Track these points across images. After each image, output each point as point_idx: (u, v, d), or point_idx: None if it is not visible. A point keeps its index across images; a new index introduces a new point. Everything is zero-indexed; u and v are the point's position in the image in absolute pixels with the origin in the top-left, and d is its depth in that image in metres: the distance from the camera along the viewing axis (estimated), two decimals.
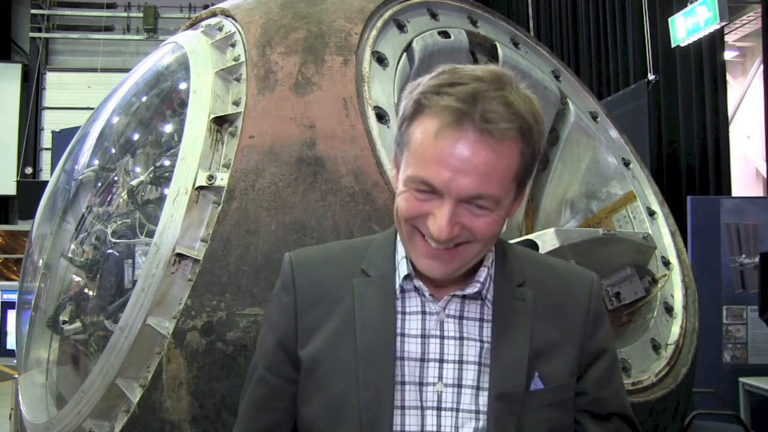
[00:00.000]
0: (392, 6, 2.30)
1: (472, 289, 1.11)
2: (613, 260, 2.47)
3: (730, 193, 5.79)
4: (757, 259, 4.44)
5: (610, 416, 1.18)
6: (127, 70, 3.00)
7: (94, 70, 12.59)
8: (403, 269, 1.13)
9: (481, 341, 1.10)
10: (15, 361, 2.84)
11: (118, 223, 2.21)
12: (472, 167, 0.98)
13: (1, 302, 5.82)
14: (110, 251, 2.15)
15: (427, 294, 1.12)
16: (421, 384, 1.09)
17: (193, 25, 2.52)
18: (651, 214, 2.69)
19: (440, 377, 1.09)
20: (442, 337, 1.10)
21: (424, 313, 1.12)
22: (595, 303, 1.20)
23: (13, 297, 4.32)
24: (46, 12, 13.22)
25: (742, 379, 4.58)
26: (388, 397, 1.07)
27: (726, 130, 5.88)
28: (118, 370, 1.87)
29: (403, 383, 1.08)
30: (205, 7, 4.08)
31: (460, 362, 1.09)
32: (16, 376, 2.65)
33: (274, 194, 1.87)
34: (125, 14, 13.32)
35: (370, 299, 1.12)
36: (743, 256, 4.78)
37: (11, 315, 5.45)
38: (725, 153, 5.82)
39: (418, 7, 2.39)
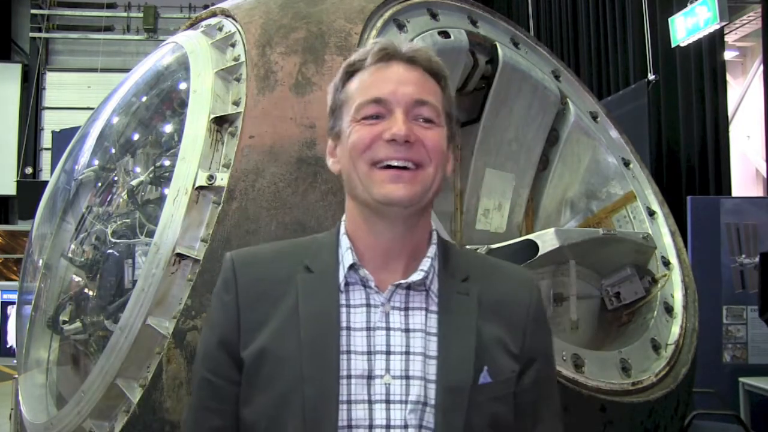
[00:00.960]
0: (392, 6, 2.30)
1: (416, 277, 1.12)
2: (613, 260, 2.48)
3: (730, 193, 5.79)
4: (757, 259, 4.45)
5: (544, 415, 1.19)
6: (127, 70, 3.00)
7: (94, 70, 12.59)
8: (348, 260, 1.13)
9: (426, 332, 1.11)
10: (15, 361, 2.84)
11: (118, 223, 2.21)
12: (409, 79, 1.13)
13: (1, 302, 5.83)
14: (110, 251, 2.15)
15: (372, 284, 1.11)
16: (369, 377, 1.08)
17: (193, 25, 2.52)
18: (651, 214, 2.69)
19: (388, 369, 1.08)
20: (388, 329, 1.10)
21: (368, 305, 1.11)
22: (537, 302, 1.21)
23: (14, 297, 4.32)
24: (46, 12, 13.22)
25: (742, 379, 4.58)
26: (333, 391, 1.06)
27: (726, 130, 5.88)
28: (118, 370, 1.87)
29: (349, 377, 1.07)
30: (205, 7, 4.08)
31: (407, 353, 1.09)
32: (16, 376, 2.66)
33: (274, 194, 1.87)
34: (125, 14, 13.32)
35: (313, 294, 1.12)
36: (743, 256, 4.78)
37: (12, 314, 5.45)
38: (725, 153, 5.82)
39: (418, 7, 2.39)
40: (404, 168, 1.09)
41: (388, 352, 1.09)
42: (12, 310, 5.49)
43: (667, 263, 2.53)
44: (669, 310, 2.42)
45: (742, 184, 7.00)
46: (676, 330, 2.36)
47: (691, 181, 5.97)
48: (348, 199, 1.18)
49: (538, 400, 1.17)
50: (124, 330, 1.86)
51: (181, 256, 1.86)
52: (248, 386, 1.12)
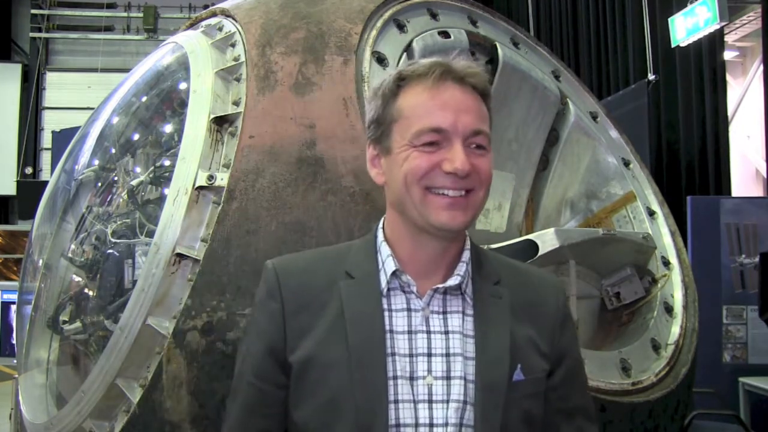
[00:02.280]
0: (392, 6, 2.30)
1: (453, 281, 1.17)
2: (613, 260, 2.47)
3: (730, 193, 5.79)
4: (757, 259, 4.45)
5: (575, 412, 1.24)
6: (127, 70, 3.00)
7: (94, 70, 12.58)
8: (390, 267, 1.18)
9: (464, 334, 1.16)
10: (15, 361, 2.84)
11: (118, 223, 2.21)
12: (467, 107, 1.15)
13: (1, 302, 5.83)
14: (110, 251, 2.15)
15: (414, 289, 1.16)
16: (412, 378, 1.13)
17: (193, 25, 2.52)
18: (651, 214, 2.69)
19: (429, 371, 1.13)
20: (428, 332, 1.15)
21: (409, 309, 1.17)
22: (563, 305, 1.28)
23: (14, 297, 4.32)
24: (46, 12, 13.21)
25: (742, 379, 4.58)
26: (383, 392, 1.11)
27: (726, 130, 5.88)
28: (118, 370, 1.87)
29: (395, 378, 1.12)
30: (205, 7, 4.08)
31: (447, 355, 1.14)
32: (16, 376, 2.66)
33: (274, 194, 1.87)
34: (125, 14, 13.31)
35: (357, 299, 1.17)
36: (743, 256, 4.78)
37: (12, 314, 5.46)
38: (725, 153, 5.82)
39: (418, 7, 2.39)
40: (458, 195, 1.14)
41: (429, 354, 1.14)
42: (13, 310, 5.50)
43: (667, 263, 2.53)
44: (669, 310, 2.42)
45: (742, 184, 7.00)
46: (676, 330, 2.36)
47: (691, 181, 5.97)
48: (390, 211, 1.22)
49: (569, 396, 1.24)
50: (124, 330, 1.86)
51: (181, 256, 1.86)
52: (297, 390, 1.17)
